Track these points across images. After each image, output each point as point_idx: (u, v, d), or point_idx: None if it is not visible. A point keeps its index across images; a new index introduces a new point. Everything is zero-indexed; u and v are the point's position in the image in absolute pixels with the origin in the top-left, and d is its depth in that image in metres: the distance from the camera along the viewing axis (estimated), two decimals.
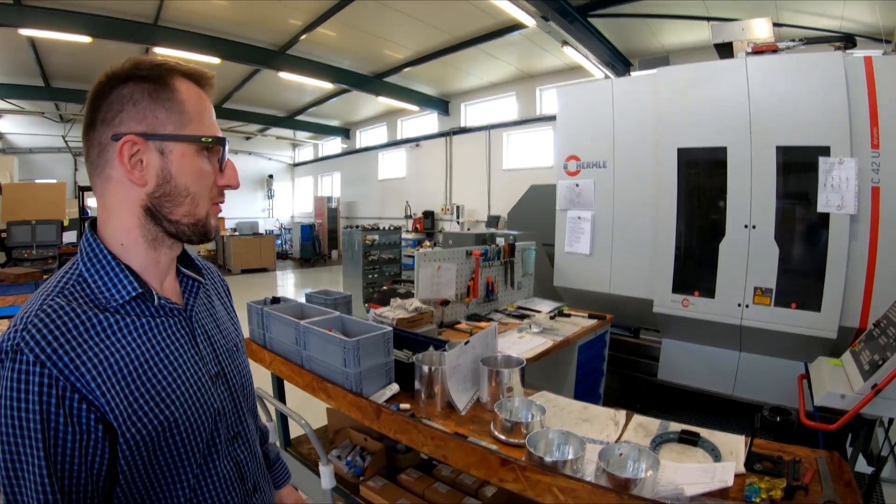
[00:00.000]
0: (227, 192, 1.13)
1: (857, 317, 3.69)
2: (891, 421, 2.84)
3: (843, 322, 3.70)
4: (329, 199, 19.81)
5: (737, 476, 1.71)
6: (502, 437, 2.00)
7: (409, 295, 3.95)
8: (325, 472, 2.50)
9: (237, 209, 20.89)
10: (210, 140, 1.03)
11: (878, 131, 3.57)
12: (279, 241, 20.23)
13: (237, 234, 17.13)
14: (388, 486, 2.84)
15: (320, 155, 22.54)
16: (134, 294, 0.99)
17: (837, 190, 3.65)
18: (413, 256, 11.58)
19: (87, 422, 0.87)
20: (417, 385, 2.35)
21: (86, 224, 1.08)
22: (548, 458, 1.75)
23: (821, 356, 3.27)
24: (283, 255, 20.23)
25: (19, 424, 0.83)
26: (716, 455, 1.89)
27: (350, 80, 12.68)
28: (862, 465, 2.85)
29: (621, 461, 1.73)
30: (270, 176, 23.30)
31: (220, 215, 1.15)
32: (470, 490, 2.78)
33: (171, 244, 1.07)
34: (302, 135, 21.58)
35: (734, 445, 1.95)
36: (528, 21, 8.00)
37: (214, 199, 1.09)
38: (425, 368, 2.30)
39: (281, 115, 17.94)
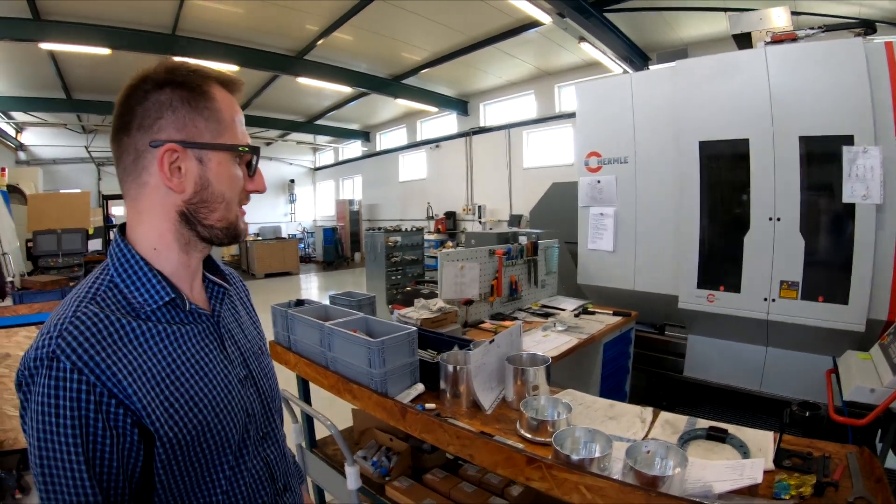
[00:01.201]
0: (251, 197, 1.15)
1: (886, 309, 3.62)
2: None
3: (871, 315, 3.63)
4: (351, 202, 19.91)
5: (766, 473, 1.69)
6: (528, 436, 2.00)
7: (432, 295, 3.96)
8: (351, 472, 2.52)
9: (260, 214, 21.11)
10: (246, 149, 1.07)
11: None
12: (302, 245, 20.41)
13: (260, 238, 17.27)
14: (414, 486, 2.83)
15: (341, 158, 22.65)
16: (167, 299, 1.02)
17: (862, 179, 3.58)
18: (436, 257, 11.56)
19: (124, 426, 0.90)
20: (443, 385, 2.35)
21: (114, 230, 1.09)
22: (574, 457, 1.74)
23: (849, 350, 3.23)
24: (306, 259, 20.39)
25: (60, 431, 0.84)
26: (744, 451, 1.87)
27: (368, 84, 12.73)
28: (892, 462, 2.79)
29: (649, 459, 1.72)
30: (292, 180, 23.50)
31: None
32: (496, 489, 2.76)
33: (202, 248, 1.11)
34: (322, 139, 21.78)
35: (763, 442, 1.92)
36: (544, 18, 7.96)
37: (242, 202, 1.12)
38: (450, 368, 2.31)
39: (300, 120, 18.08)
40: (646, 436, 2.06)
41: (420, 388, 2.44)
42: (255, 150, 1.10)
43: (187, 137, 1.00)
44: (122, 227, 1.07)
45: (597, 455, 1.76)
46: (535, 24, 8.83)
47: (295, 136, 20.57)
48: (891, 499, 1.58)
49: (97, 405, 0.87)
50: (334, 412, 2.77)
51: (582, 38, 8.72)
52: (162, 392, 0.95)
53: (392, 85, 13.07)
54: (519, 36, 9.90)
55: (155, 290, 1.01)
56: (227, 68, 9.83)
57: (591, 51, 9.29)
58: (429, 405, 2.29)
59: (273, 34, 10.09)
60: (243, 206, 1.14)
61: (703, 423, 2.07)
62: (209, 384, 1.04)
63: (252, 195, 1.15)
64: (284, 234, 19.42)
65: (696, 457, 1.82)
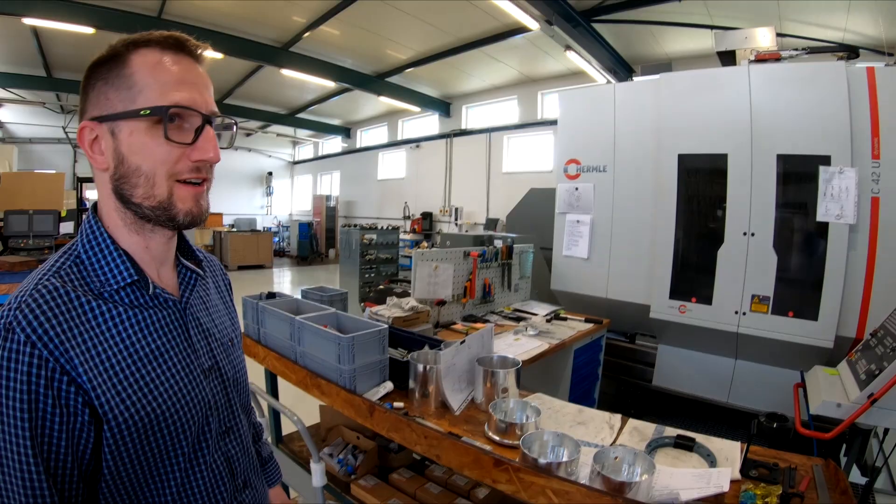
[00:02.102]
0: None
1: (854, 326, 3.67)
2: (886, 431, 2.83)
3: (839, 332, 3.68)
4: (328, 197, 19.80)
5: (732, 482, 1.69)
6: (496, 438, 1.99)
7: (405, 294, 3.94)
8: (317, 469, 2.49)
9: (236, 205, 20.84)
10: (147, 112, 0.92)
11: (879, 142, 3.57)
12: (277, 239, 20.24)
13: (235, 230, 17.10)
14: (380, 485, 2.81)
15: (320, 153, 22.53)
16: (130, 280, 0.99)
17: (837, 199, 3.64)
18: (410, 257, 11.50)
19: (75, 404, 0.87)
20: (412, 384, 2.34)
21: (89, 208, 1.05)
22: (542, 460, 1.74)
23: (817, 365, 3.27)
24: (280, 253, 20.21)
25: (7, 404, 0.82)
26: (711, 461, 1.87)
27: (352, 80, 12.66)
28: (856, 476, 2.84)
29: (616, 465, 1.71)
30: (270, 173, 23.25)
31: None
32: (462, 491, 2.75)
33: (151, 228, 1.02)
34: (302, 133, 21.60)
35: (730, 451, 1.93)
36: (533, 25, 7.99)
37: (179, 175, 0.98)
38: (420, 367, 2.30)
39: (282, 113, 17.95)
40: (614, 442, 2.06)
41: (389, 386, 2.42)
42: (162, 111, 0.93)
43: (101, 112, 0.95)
44: (95, 206, 1.04)
45: (564, 459, 1.75)
46: (522, 29, 8.83)
47: (275, 128, 20.35)
48: None
49: (48, 381, 0.84)
50: (302, 408, 2.74)
51: (568, 47, 8.79)
52: (115, 375, 0.92)
53: (376, 82, 13.02)
54: (506, 41, 9.94)
55: (119, 269, 0.98)
56: (212, 56, 9.77)
57: (577, 60, 9.35)
58: (397, 404, 2.27)
59: (260, 24, 9.98)
60: (198, 185, 1.02)
61: (671, 432, 2.07)
62: (166, 373, 1.00)
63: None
64: (260, 227, 19.23)
65: (664, 464, 1.82)
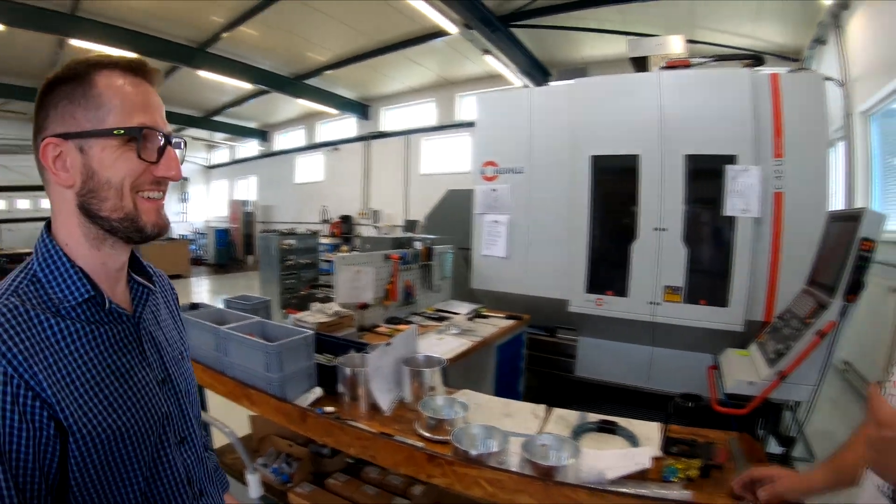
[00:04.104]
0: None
1: (762, 311, 3.96)
2: (797, 404, 3.04)
3: (749, 316, 3.96)
4: (245, 202, 19.37)
5: (655, 459, 1.81)
6: (427, 435, 2.04)
7: (328, 300, 3.92)
8: (252, 480, 2.45)
9: None
10: (121, 131, 0.98)
11: (782, 142, 3.87)
12: (193, 247, 19.50)
13: None
14: (316, 491, 2.80)
15: (236, 157, 21.91)
16: (87, 296, 1.00)
17: (742, 195, 3.90)
18: (331, 261, 11.16)
19: (41, 419, 0.88)
20: (341, 388, 2.36)
21: (43, 225, 1.07)
22: (473, 452, 1.79)
23: (729, 348, 3.49)
24: (197, 261, 19.46)
25: None
26: (633, 442, 1.98)
27: (270, 82, 12.44)
28: (776, 448, 3.04)
29: (544, 451, 1.80)
30: (185, 178, 22.34)
31: None
32: (398, 490, 2.78)
33: (112, 243, 1.05)
34: (218, 136, 20.85)
35: (650, 432, 2.05)
36: (452, 29, 8.12)
37: (140, 188, 1.04)
38: (348, 371, 2.33)
39: (197, 116, 17.26)
40: (540, 431, 2.13)
41: (318, 391, 2.43)
42: (135, 131, 1.00)
43: (67, 129, 0.97)
44: (49, 223, 1.06)
45: (494, 450, 1.81)
46: (442, 33, 8.93)
47: (191, 131, 19.58)
48: None
49: (14, 397, 0.85)
50: (232, 419, 2.68)
51: (486, 51, 8.96)
52: (77, 391, 0.94)
53: (294, 84, 12.83)
54: (425, 44, 10.01)
55: (75, 286, 1.00)
56: (127, 55, 9.30)
57: (495, 63, 9.55)
58: (328, 408, 2.28)
59: (177, 23, 9.62)
60: (158, 199, 1.08)
61: (594, 418, 2.19)
62: (124, 385, 1.03)
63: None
64: (175, 235, 18.51)
65: (589, 448, 1.90)
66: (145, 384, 1.07)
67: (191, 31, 10.12)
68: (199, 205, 23.28)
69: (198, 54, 10.79)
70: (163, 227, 1.08)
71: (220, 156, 23.30)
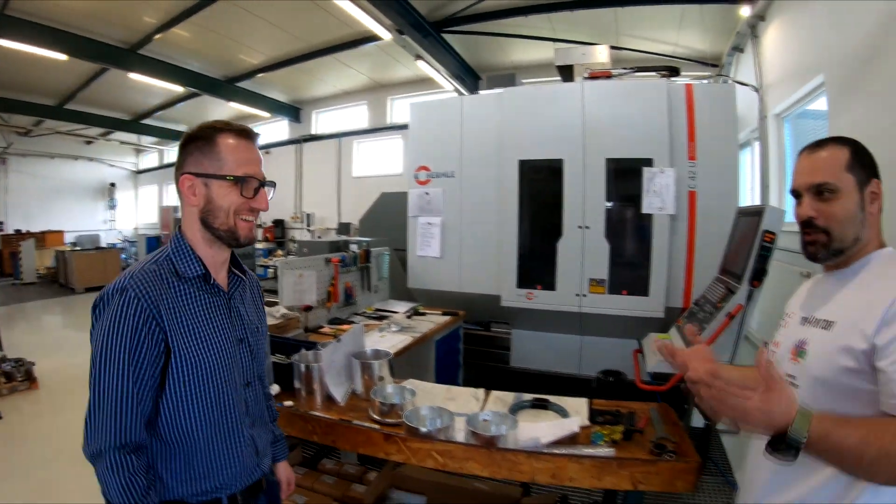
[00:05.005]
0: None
1: (681, 298, 4.35)
2: None
3: (669, 303, 4.34)
4: (175, 208, 18.75)
5: (583, 428, 2.09)
6: (381, 419, 2.24)
7: (273, 303, 4.04)
8: None
9: (77, 221, 19.24)
10: (232, 178, 1.47)
11: (695, 146, 4.29)
12: (124, 255, 18.84)
13: (78, 248, 15.34)
14: None
15: (166, 161, 21.16)
16: (200, 273, 1.49)
17: (659, 194, 4.28)
18: (266, 266, 11.45)
19: (157, 338, 1.37)
20: (297, 384, 2.55)
21: (176, 228, 1.57)
22: (423, 429, 2.06)
23: (651, 332, 3.81)
24: None
25: (120, 332, 1.31)
26: (564, 414, 2.27)
27: (202, 84, 12.13)
28: (700, 422, 3.35)
29: (486, 426, 2.08)
30: (112, 184, 21.50)
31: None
32: (354, 478, 2.98)
33: (219, 245, 1.54)
34: (147, 140, 19.94)
35: (578, 406, 2.33)
36: (384, 34, 8.22)
37: (240, 213, 1.50)
38: (303, 367, 2.52)
39: (125, 119, 16.52)
40: (481, 410, 2.38)
41: (276, 388, 2.56)
42: (242, 179, 1.48)
43: (198, 171, 1.46)
44: (180, 226, 1.55)
45: (442, 426, 2.07)
46: (374, 38, 9.00)
47: (118, 135, 18.82)
48: (685, 436, 2.06)
49: (145, 321, 1.34)
50: None
51: (418, 56, 9.12)
52: (182, 326, 1.42)
53: (226, 87, 12.58)
54: (358, 48, 10.06)
55: (194, 266, 1.48)
56: (55, 56, 9.13)
57: (426, 68, 9.72)
58: (287, 402, 2.45)
59: (108, 23, 9.28)
60: (249, 219, 1.53)
61: (529, 397, 2.46)
62: (213, 334, 1.49)
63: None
64: (104, 244, 17.80)
65: (525, 422, 2.17)
66: (226, 337, 1.53)
67: (123, 33, 9.77)
68: (127, 211, 22.35)
69: (129, 56, 10.40)
70: (252, 238, 1.57)
71: (149, 160, 22.46)
